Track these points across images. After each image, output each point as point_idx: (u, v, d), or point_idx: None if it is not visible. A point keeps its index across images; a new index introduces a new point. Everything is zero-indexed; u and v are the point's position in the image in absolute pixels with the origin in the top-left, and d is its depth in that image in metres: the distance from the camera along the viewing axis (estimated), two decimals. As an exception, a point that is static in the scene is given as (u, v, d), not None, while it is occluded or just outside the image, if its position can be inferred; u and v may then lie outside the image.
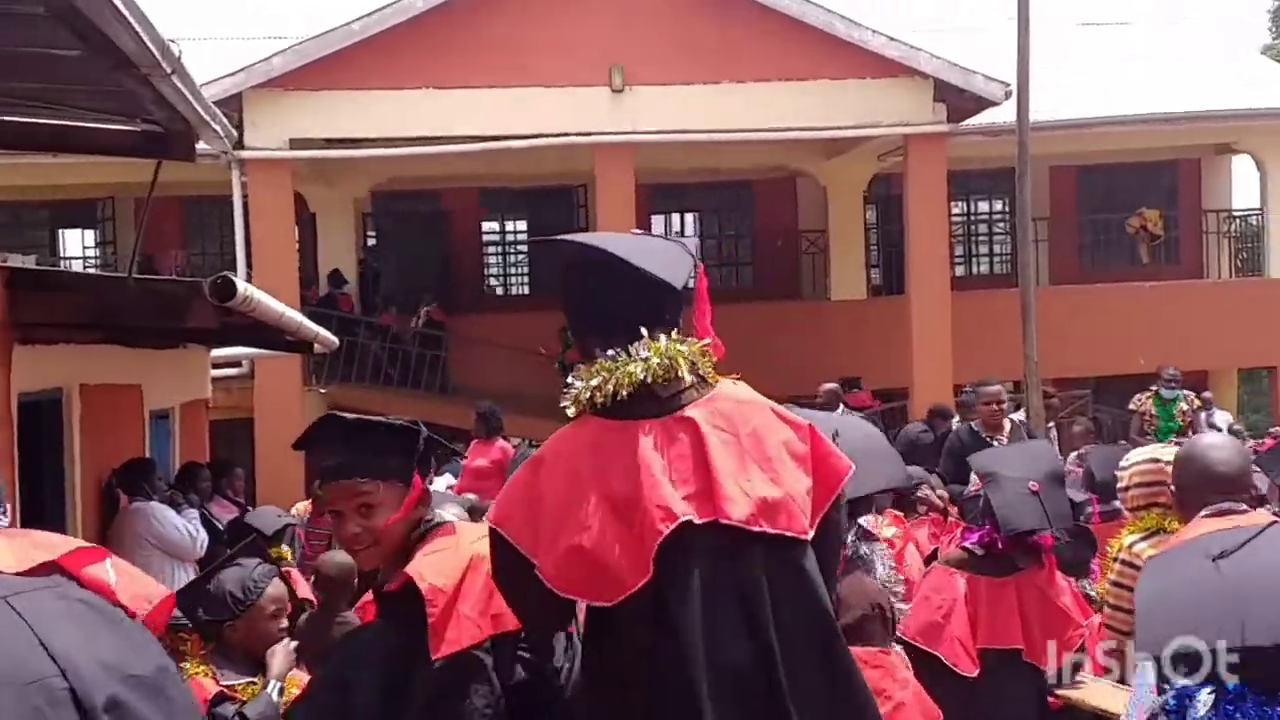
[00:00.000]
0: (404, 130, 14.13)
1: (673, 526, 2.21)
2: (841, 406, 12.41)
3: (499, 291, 20.21)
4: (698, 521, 2.23)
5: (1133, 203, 19.28)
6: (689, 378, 2.36)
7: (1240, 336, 17.45)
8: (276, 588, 3.82)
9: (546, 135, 14.13)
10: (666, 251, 2.45)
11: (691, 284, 2.46)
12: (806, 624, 2.27)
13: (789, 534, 2.28)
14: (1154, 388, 12.76)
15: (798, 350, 16.06)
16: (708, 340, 2.46)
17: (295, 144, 13.97)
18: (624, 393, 2.31)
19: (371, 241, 19.02)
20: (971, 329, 14.92)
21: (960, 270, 19.40)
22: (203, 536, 7.94)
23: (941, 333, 14.62)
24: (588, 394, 2.34)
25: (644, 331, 2.34)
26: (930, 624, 3.96)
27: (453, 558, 2.58)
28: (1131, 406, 12.81)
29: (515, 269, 20.41)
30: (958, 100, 14.53)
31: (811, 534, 2.31)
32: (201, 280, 6.40)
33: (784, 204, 19.41)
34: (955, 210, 19.22)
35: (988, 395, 8.48)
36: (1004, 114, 14.50)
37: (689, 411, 2.33)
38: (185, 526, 7.90)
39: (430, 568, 2.55)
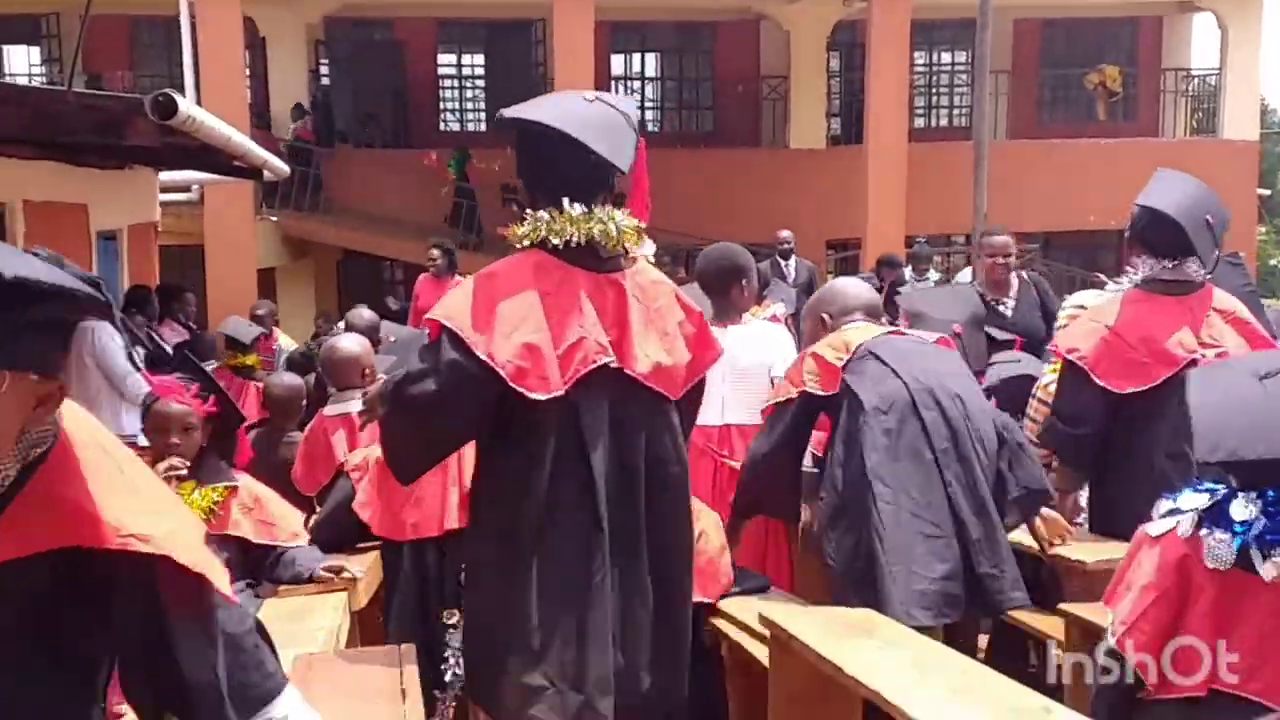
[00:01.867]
0: (358, -46, 13.78)
1: (604, 361, 2.74)
2: (793, 256, 12.54)
3: (454, 127, 19.94)
4: (613, 365, 2.76)
5: (1094, 58, 19.20)
6: (622, 249, 2.82)
7: (1191, 197, 17.56)
8: (167, 407, 3.67)
9: (505, -35, 13.83)
10: (618, 131, 2.75)
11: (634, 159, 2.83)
12: (666, 463, 2.86)
13: (667, 395, 2.87)
14: None
15: (755, 198, 16.07)
16: (639, 223, 2.85)
17: (245, -37, 13.60)
18: (577, 240, 2.73)
19: (324, 70, 18.65)
20: (927, 181, 14.97)
21: (920, 122, 19.33)
22: (137, 378, 7.62)
23: (897, 184, 14.65)
24: (544, 232, 2.75)
25: (600, 197, 2.79)
26: None
27: (159, 494, 1.80)
28: None
29: (472, 104, 20.11)
30: (924, -55, 14.32)
31: (679, 397, 2.92)
32: (143, 96, 6.30)
33: (746, 47, 19.17)
34: (918, 60, 19.08)
35: (992, 246, 6.16)
36: (970, -38, 14.31)
37: (618, 276, 2.81)
38: (125, 355, 7.59)
39: (169, 534, 1.66)
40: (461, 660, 3.36)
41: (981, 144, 13.83)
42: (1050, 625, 3.63)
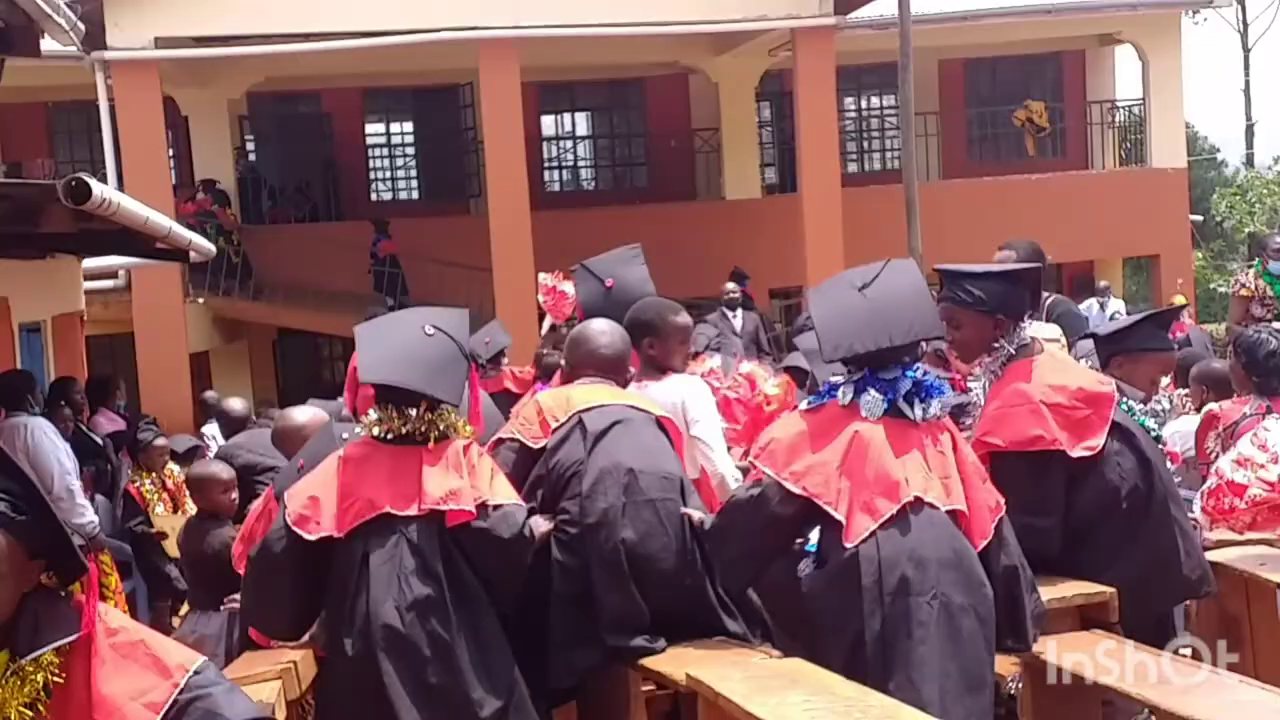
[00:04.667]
0: (277, 26, 13.60)
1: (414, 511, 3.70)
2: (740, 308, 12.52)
3: (386, 196, 19.73)
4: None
5: (1020, 95, 19.40)
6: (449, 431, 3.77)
7: (1125, 226, 17.74)
8: None
9: (428, 30, 13.69)
10: (448, 368, 3.79)
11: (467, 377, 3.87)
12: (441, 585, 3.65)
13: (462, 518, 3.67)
14: (1256, 262, 9.92)
15: (694, 251, 15.94)
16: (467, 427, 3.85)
17: (161, 43, 13.37)
18: (395, 434, 3.78)
19: (250, 147, 18.40)
20: (864, 225, 14.90)
21: (854, 167, 19.40)
22: (71, 480, 7.21)
23: (833, 229, 14.57)
24: (375, 430, 3.82)
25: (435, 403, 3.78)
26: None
27: None
28: (1233, 289, 9.66)
29: (403, 172, 19.92)
30: (845, -8, 14.40)
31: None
32: (55, 183, 6.06)
33: (676, 102, 19.16)
34: (848, 106, 19.16)
35: None
36: (892, 7, 14.39)
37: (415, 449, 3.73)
38: (62, 453, 7.16)
39: None
40: None
41: (911, 185, 13.83)
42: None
